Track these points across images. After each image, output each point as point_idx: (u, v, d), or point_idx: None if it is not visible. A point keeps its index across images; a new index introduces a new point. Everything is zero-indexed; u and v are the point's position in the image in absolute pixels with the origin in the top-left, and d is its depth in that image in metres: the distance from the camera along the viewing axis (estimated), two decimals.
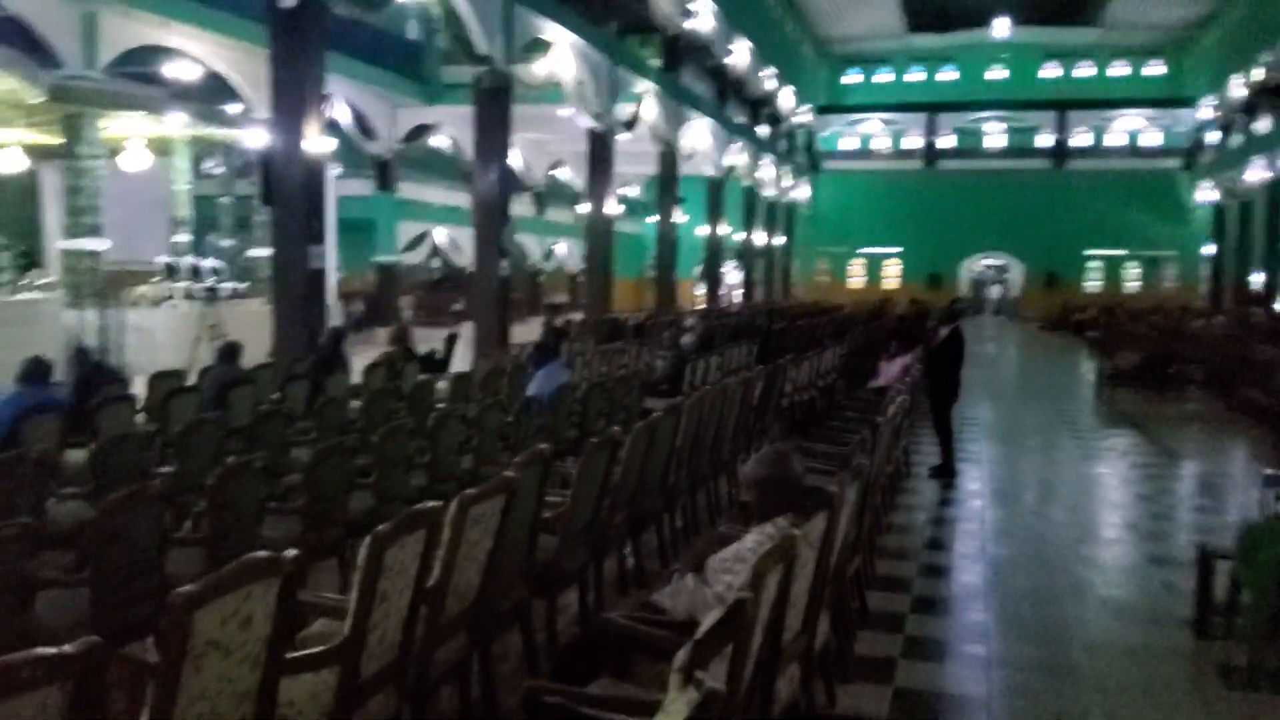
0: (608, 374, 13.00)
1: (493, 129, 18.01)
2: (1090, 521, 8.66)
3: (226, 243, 25.67)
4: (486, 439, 6.98)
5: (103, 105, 18.35)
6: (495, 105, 17.99)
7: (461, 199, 35.37)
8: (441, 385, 10.70)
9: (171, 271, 20.01)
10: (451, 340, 14.15)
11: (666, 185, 27.95)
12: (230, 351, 8.25)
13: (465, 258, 35.77)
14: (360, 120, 28.47)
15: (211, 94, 25.18)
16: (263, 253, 24.87)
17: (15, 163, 21.22)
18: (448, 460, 6.40)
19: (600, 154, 23.15)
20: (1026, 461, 11.74)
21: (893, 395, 8.03)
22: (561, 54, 20.57)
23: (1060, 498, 9.64)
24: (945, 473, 9.81)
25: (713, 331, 16.47)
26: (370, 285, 33.00)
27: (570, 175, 35.09)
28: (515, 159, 36.69)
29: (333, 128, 28.12)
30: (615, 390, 9.42)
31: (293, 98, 12.59)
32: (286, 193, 12.64)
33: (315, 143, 12.72)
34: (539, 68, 20.42)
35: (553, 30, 20.27)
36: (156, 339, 17.65)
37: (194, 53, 21.20)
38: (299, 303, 12.72)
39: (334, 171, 25.39)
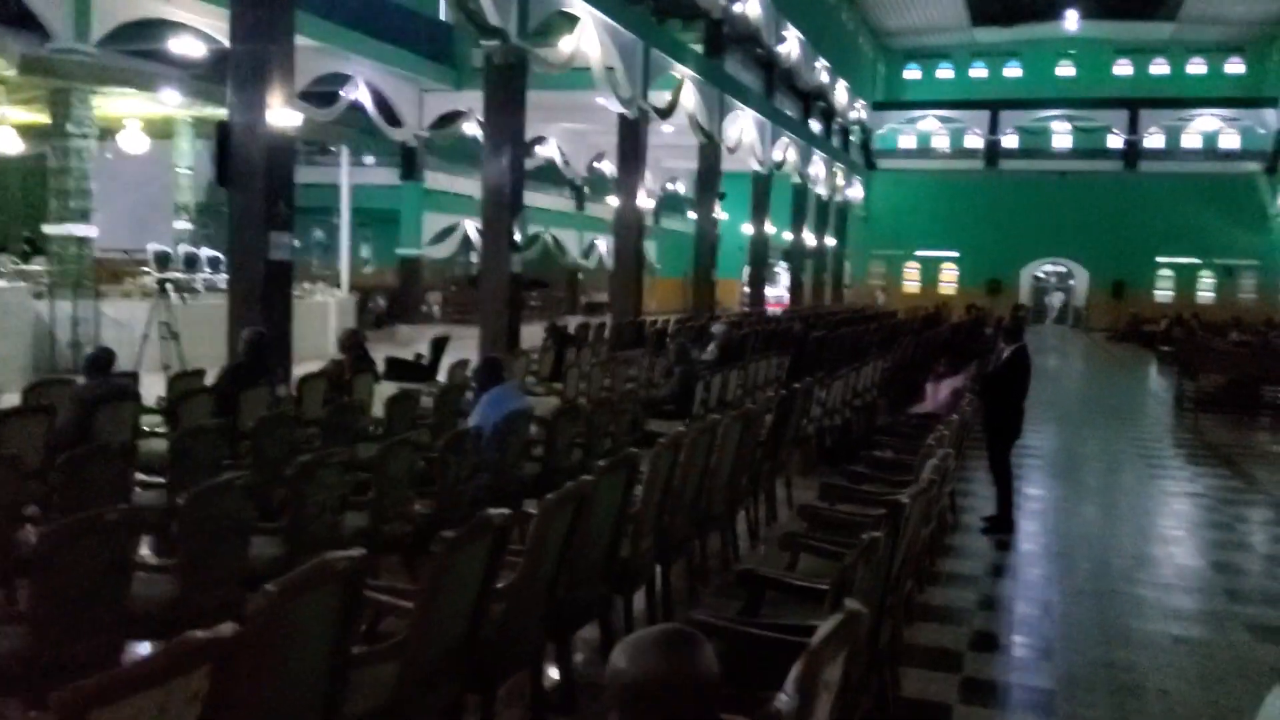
0: (610, 389, 11.27)
1: (505, 110, 16.34)
2: (1188, 607, 6.69)
3: None
4: (389, 488, 5.27)
5: (83, 80, 16.97)
6: (509, 84, 16.32)
7: None
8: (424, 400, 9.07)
9: (163, 261, 18.59)
10: (439, 344, 12.49)
11: (706, 179, 26.11)
12: (98, 362, 6.62)
13: None
14: (384, 105, 27.02)
15: (221, 72, 23.93)
16: None
17: (9, 143, 19.91)
18: (316, 522, 4.70)
19: (631, 142, 21.40)
20: (1099, 509, 9.75)
21: (939, 438, 6.20)
22: (588, 32, 18.84)
23: (1149, 564, 7.66)
24: (1002, 526, 7.95)
25: (740, 340, 14.63)
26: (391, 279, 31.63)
27: (614, 169, 33.41)
28: (552, 150, 35.22)
29: (355, 111, 26.86)
30: (596, 415, 7.67)
31: (254, 61, 10.98)
32: (246, 173, 11.04)
33: (281, 115, 11.10)
34: (564, 45, 18.71)
35: (578, 5, 18.55)
36: (136, 333, 16.26)
37: (200, 27, 19.86)
38: (258, 298, 11.12)
39: (345, 157, 24.06)
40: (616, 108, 20.71)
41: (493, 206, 16.29)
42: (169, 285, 13.77)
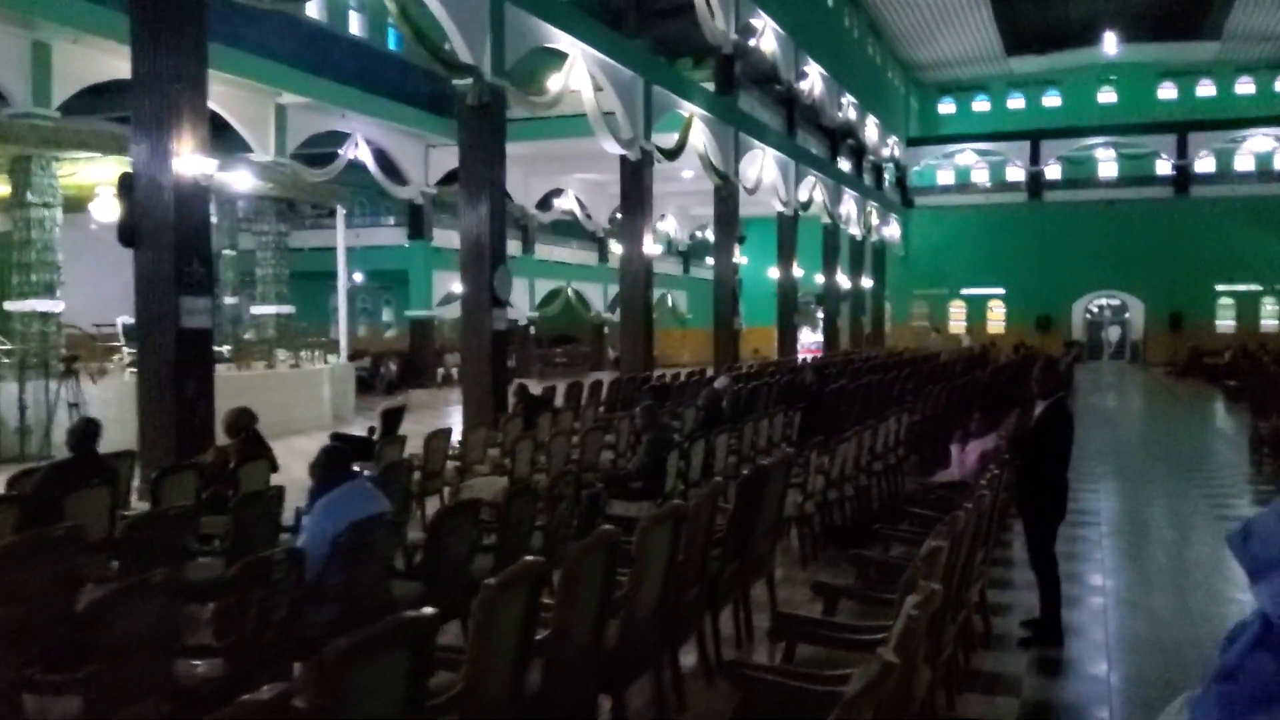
0: (577, 462, 9.60)
1: (482, 154, 14.87)
2: None
3: (230, 300, 23.05)
4: (122, 652, 3.62)
5: (34, 145, 15.79)
6: (485, 126, 14.87)
7: (514, 247, 32.59)
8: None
9: (130, 335, 17.27)
10: (390, 416, 10.89)
11: (724, 222, 24.53)
12: None
13: (517, 310, 32.88)
14: (386, 162, 25.88)
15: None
16: (265, 310, 22.27)
17: None
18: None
19: (635, 186, 19.88)
20: (1173, 599, 7.71)
21: (954, 530, 4.46)
22: (577, 69, 17.41)
23: None
24: (1046, 636, 6.13)
25: (739, 396, 12.90)
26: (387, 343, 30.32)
27: None
28: (571, 201, 33.94)
29: (355, 170, 25.70)
30: (517, 506, 6.02)
31: (159, 102, 9.59)
32: (153, 229, 9.62)
33: (191, 164, 9.68)
34: (551, 84, 17.29)
35: (565, 40, 17.15)
36: (93, 413, 14.90)
37: None
38: (167, 373, 9.63)
39: (342, 214, 22.78)
40: (616, 149, 19.24)
41: (471, 259, 14.79)
42: (77, 365, 12.25)
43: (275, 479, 7.61)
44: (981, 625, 6.23)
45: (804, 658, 4.18)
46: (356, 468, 8.71)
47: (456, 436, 10.71)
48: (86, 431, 6.41)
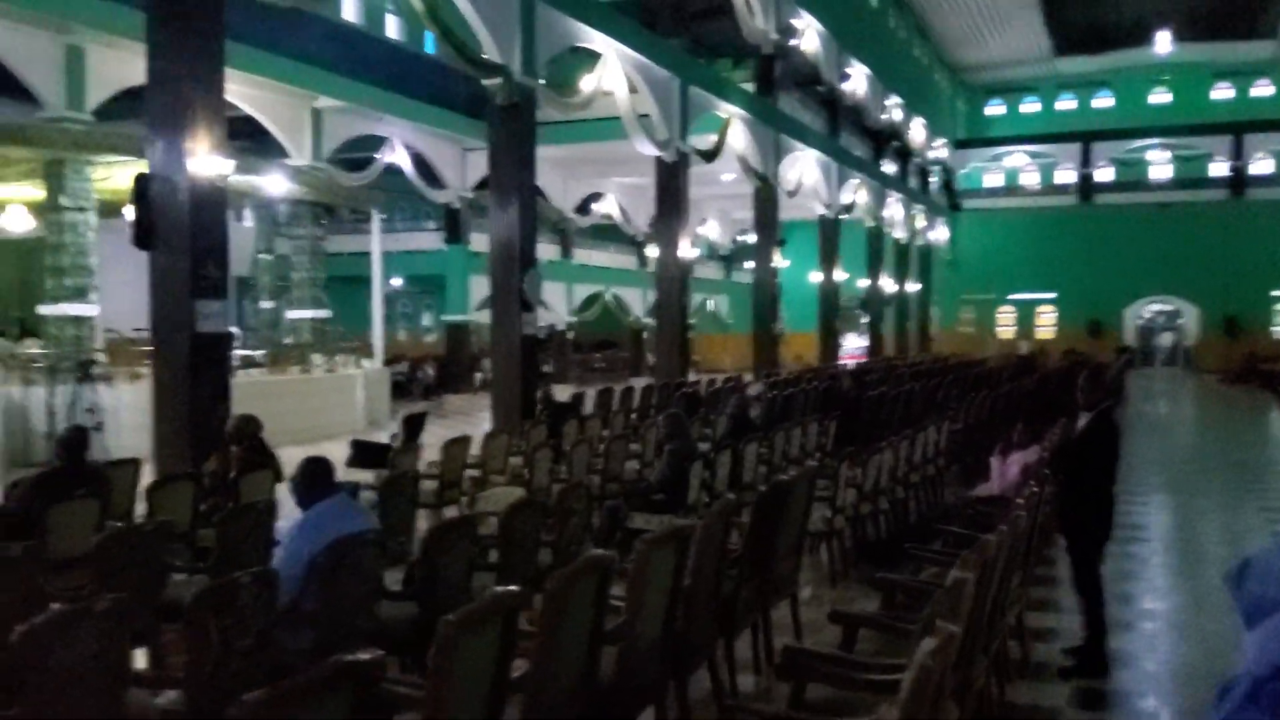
0: (602, 472, 9.25)
1: (512, 155, 14.58)
2: None
3: (266, 304, 22.95)
4: (47, 686, 3.31)
5: (65, 148, 15.77)
6: (515, 126, 14.58)
7: (552, 251, 32.34)
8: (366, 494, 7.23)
9: None
10: (412, 423, 10.63)
11: (763, 224, 24.09)
12: None
13: (555, 315, 32.63)
14: (424, 166, 25.71)
15: (237, 134, 22.76)
16: (301, 315, 22.14)
17: (19, 222, 18.92)
18: None
19: (670, 188, 19.51)
20: (1233, 626, 7.27)
21: (996, 545, 4.04)
22: (611, 69, 17.08)
23: None
24: (1090, 665, 5.68)
25: (774, 404, 12.47)
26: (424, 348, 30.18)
27: None
28: (611, 205, 33.63)
29: (393, 174, 25.57)
30: (522, 521, 5.69)
31: (174, 100, 9.38)
32: (167, 231, 9.41)
33: (206, 164, 9.46)
34: (584, 84, 16.98)
35: (599, 40, 16.83)
36: (121, 420, 14.78)
37: None
38: (182, 378, 9.41)
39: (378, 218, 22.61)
40: (651, 150, 18.87)
41: (500, 262, 14.50)
42: (94, 369, 12.09)
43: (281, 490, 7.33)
44: (1019, 652, 5.79)
45: (816, 698, 3.80)
46: (368, 475, 8.46)
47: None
48: (74, 440, 6.16)
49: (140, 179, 9.52)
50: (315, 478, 4.59)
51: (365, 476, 8.55)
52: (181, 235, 9.34)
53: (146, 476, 7.90)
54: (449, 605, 5.08)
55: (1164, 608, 7.27)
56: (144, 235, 9.42)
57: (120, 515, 6.72)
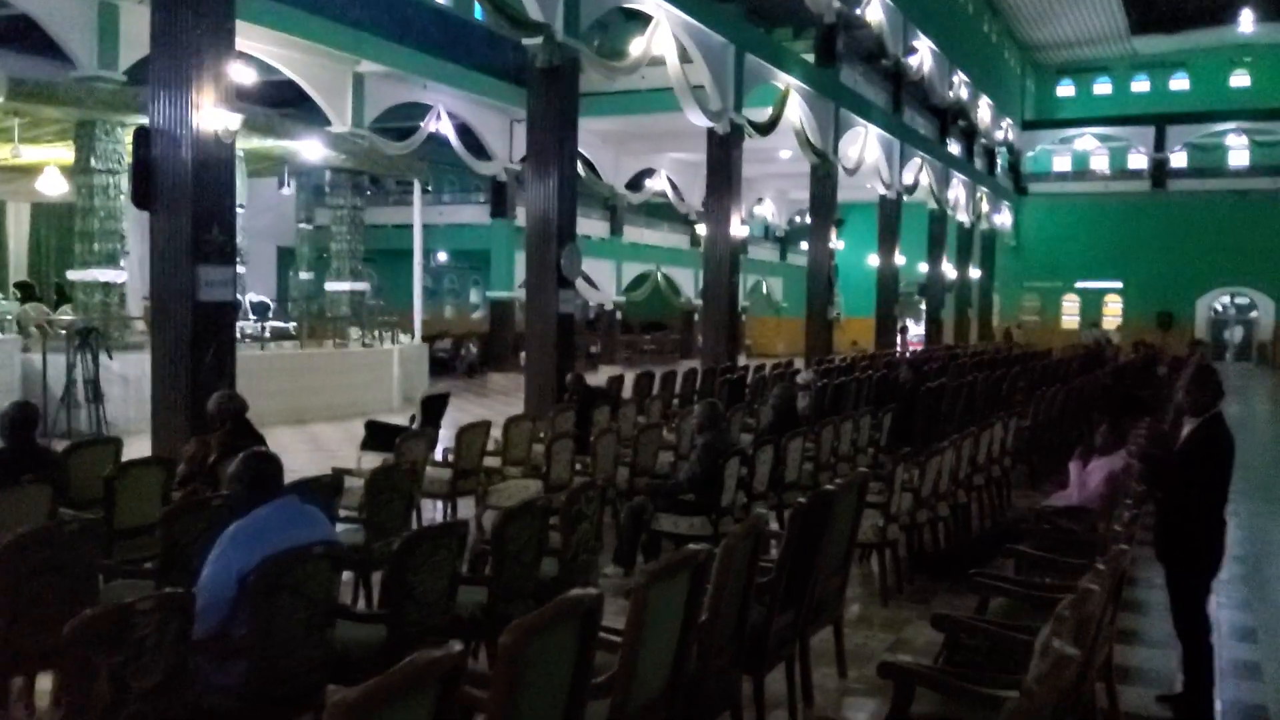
0: (632, 464, 8.42)
1: (551, 121, 13.72)
2: None
3: (305, 275, 22.42)
4: None
5: (91, 107, 15.20)
6: (556, 91, 13.72)
7: (601, 228, 31.50)
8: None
9: None
10: (432, 404, 9.86)
11: (820, 204, 23.04)
12: None
13: (603, 294, 31.81)
14: (469, 136, 24.94)
15: (274, 100, 22.17)
16: (339, 287, 21.55)
17: (54, 185, 18.43)
18: None
19: (722, 162, 18.56)
20: None
21: (1096, 600, 3.15)
22: (661, 33, 16.16)
23: None
24: (1190, 713, 4.74)
25: (826, 393, 11.53)
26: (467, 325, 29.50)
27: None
28: (662, 182, 32.68)
29: (438, 144, 24.83)
30: (516, 529, 4.85)
31: (179, 50, 8.64)
32: (169, 192, 8.69)
33: (213, 118, 8.72)
34: (633, 48, 16.07)
35: (650, 1, 15.91)
36: (144, 391, 14.23)
37: (250, 52, 18.08)
38: (183, 351, 8.71)
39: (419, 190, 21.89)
40: (703, 121, 17.92)
41: (537, 236, 13.67)
42: (93, 335, 11.43)
43: None
44: (1105, 700, 4.87)
45: None
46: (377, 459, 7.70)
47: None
48: (19, 417, 5.43)
49: (140, 133, 8.82)
50: (257, 478, 3.78)
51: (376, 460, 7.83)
52: (184, 195, 8.62)
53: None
54: (424, 628, 4.29)
55: (1268, 643, 6.27)
56: (143, 194, 8.71)
57: (85, 505, 6.00)
